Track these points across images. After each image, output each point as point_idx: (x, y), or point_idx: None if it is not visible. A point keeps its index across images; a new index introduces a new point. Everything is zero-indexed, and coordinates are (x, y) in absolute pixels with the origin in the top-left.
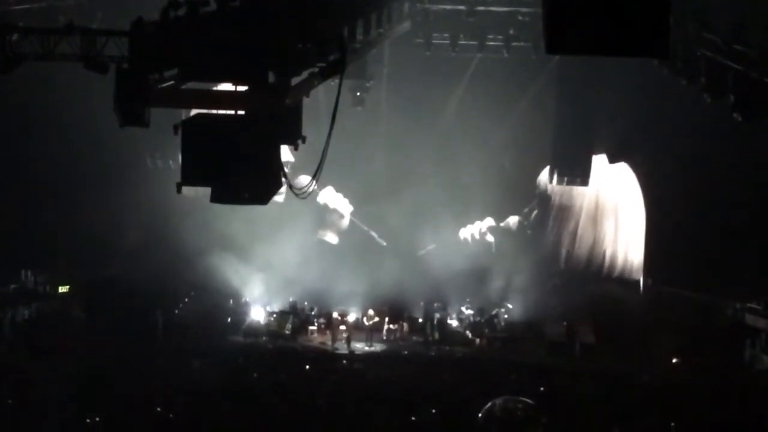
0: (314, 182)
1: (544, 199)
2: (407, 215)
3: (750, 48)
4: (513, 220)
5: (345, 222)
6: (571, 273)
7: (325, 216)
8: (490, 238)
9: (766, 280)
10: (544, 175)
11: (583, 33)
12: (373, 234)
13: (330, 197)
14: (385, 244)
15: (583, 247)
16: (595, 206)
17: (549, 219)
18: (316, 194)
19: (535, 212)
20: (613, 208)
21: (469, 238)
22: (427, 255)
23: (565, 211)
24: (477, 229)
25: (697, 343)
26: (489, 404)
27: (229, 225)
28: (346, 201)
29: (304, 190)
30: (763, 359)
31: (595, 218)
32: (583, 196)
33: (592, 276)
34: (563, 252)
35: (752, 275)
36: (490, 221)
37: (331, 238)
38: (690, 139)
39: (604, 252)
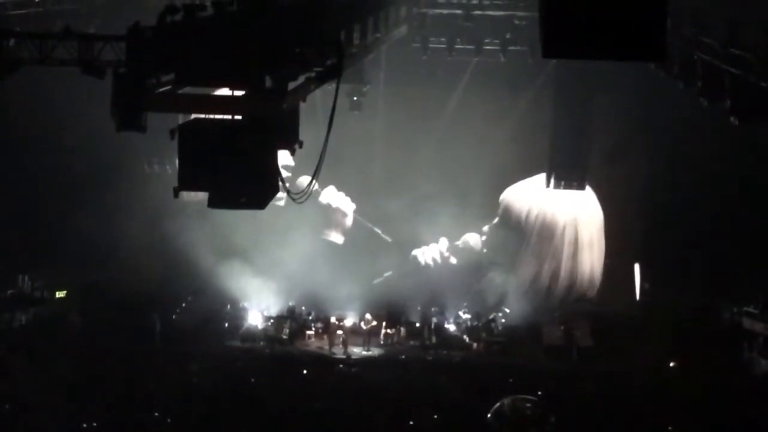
0: (312, 187)
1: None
2: (405, 219)
3: (747, 51)
4: (473, 239)
5: (349, 220)
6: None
7: (328, 216)
8: (452, 260)
9: (762, 283)
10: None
11: (579, 38)
12: (378, 231)
13: (332, 196)
14: (390, 240)
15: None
16: (573, 234)
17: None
18: (318, 195)
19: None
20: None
21: (430, 262)
22: (384, 282)
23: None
24: (436, 251)
25: (694, 346)
26: (498, 403)
27: (226, 229)
28: (348, 199)
29: (301, 194)
30: (761, 362)
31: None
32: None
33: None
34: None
35: (749, 279)
36: (444, 242)
37: (336, 237)
38: (687, 142)
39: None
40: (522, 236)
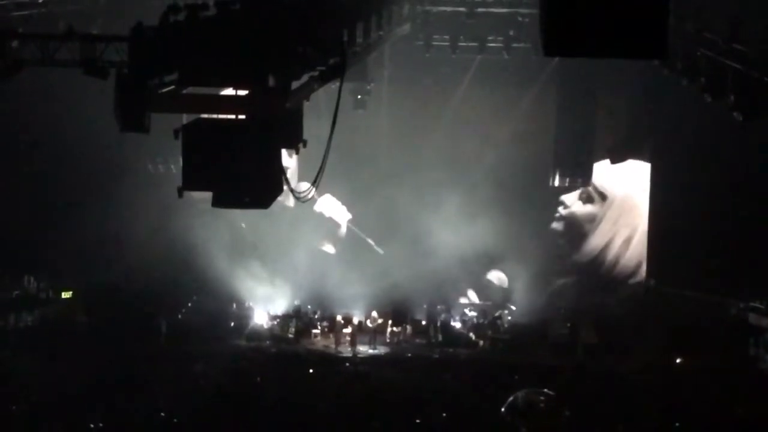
0: (316, 185)
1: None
2: (410, 217)
3: (750, 47)
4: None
5: (342, 231)
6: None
7: (321, 225)
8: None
9: None
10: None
11: (580, 35)
12: (371, 242)
13: (326, 206)
14: (382, 252)
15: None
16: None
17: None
18: (314, 202)
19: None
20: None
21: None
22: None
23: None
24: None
25: (701, 342)
26: (512, 397)
27: (232, 229)
28: (344, 209)
29: (305, 193)
30: (767, 359)
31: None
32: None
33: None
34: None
35: (755, 274)
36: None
37: (329, 247)
38: (692, 138)
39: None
40: (603, 202)
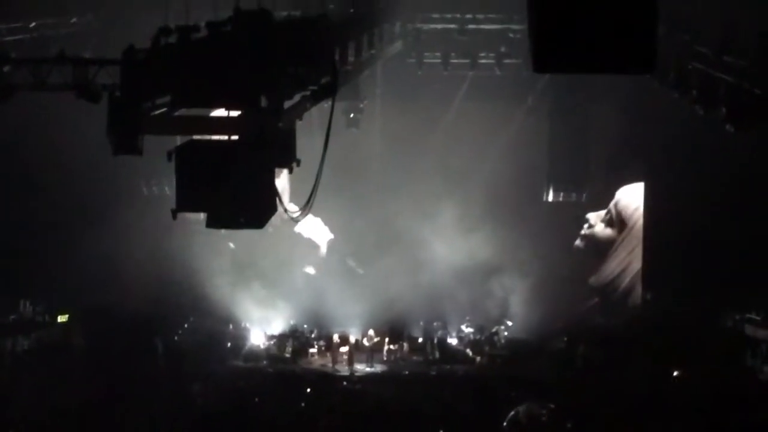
0: (310, 204)
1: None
2: (405, 232)
3: (741, 59)
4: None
5: (322, 251)
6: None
7: (301, 246)
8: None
9: (765, 290)
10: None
11: (569, 51)
12: (351, 263)
13: (306, 227)
14: (362, 272)
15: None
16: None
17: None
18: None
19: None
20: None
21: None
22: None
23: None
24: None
25: (698, 354)
26: (513, 411)
27: (228, 250)
28: (325, 229)
29: (298, 212)
30: (764, 369)
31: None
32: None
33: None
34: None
35: (751, 285)
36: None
37: (309, 268)
38: (687, 150)
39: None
40: (622, 230)
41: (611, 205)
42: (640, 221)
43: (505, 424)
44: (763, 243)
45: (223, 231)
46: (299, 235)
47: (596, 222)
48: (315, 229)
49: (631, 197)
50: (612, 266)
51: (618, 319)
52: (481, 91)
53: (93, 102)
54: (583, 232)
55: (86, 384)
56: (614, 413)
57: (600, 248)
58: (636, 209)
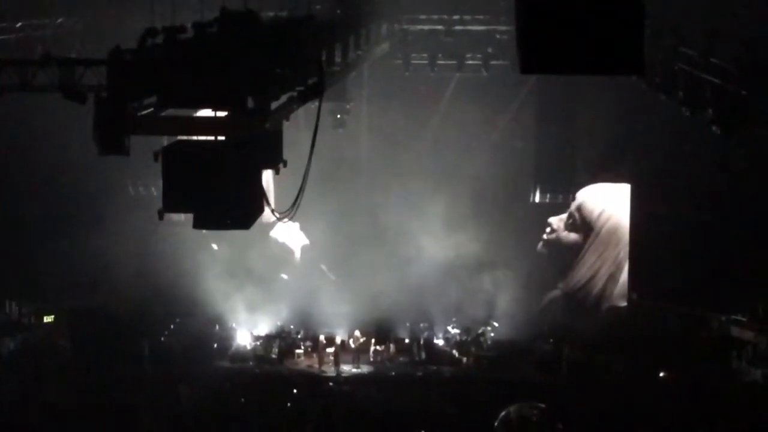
0: (296, 205)
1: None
2: (392, 232)
3: (727, 61)
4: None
5: (296, 257)
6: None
7: (274, 251)
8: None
9: (750, 291)
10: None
11: (557, 52)
12: (323, 267)
13: (281, 232)
14: (334, 278)
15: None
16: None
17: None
18: (272, 227)
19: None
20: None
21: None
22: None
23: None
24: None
25: (684, 356)
26: (504, 412)
27: (214, 250)
28: (301, 234)
29: (286, 213)
30: (750, 371)
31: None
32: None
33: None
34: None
35: (737, 287)
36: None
37: (282, 274)
38: (673, 152)
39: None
40: (588, 234)
41: (573, 208)
42: (607, 224)
43: (496, 424)
44: (749, 244)
45: (205, 231)
46: (274, 239)
47: (559, 226)
48: (290, 234)
49: (595, 200)
50: (582, 272)
51: (596, 322)
52: (468, 92)
53: (79, 103)
54: (545, 237)
55: (72, 385)
56: (601, 414)
57: (565, 253)
58: (601, 213)
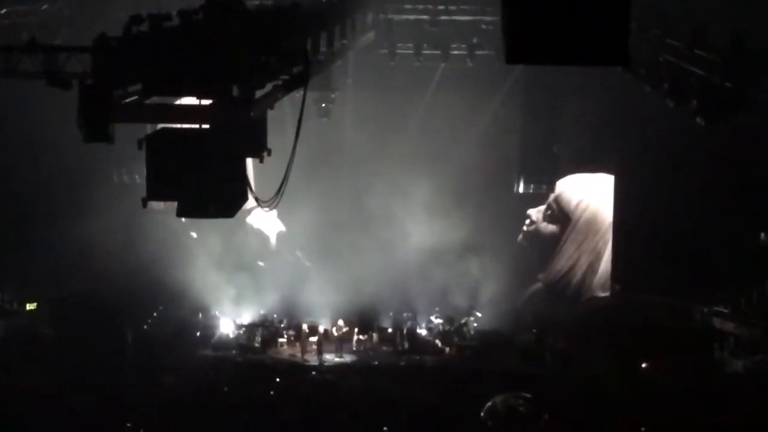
0: (280, 193)
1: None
2: (373, 225)
3: (712, 53)
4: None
5: (271, 244)
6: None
7: (249, 238)
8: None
9: (733, 283)
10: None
11: (542, 42)
12: (299, 254)
13: (256, 218)
14: (309, 264)
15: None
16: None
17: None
18: (248, 214)
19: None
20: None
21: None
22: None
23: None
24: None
25: (666, 347)
26: (490, 402)
27: (196, 238)
28: (277, 221)
29: (270, 201)
30: (732, 362)
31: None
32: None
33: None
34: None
35: (720, 279)
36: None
37: (259, 261)
38: (656, 144)
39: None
40: (566, 224)
41: (551, 200)
42: (585, 214)
43: (482, 414)
44: (733, 236)
45: (184, 219)
46: (250, 226)
47: (538, 218)
48: (266, 221)
49: (573, 191)
50: (561, 263)
51: (576, 312)
52: (453, 82)
53: (64, 90)
54: (525, 228)
55: (55, 373)
56: (584, 405)
57: (544, 244)
58: (579, 203)
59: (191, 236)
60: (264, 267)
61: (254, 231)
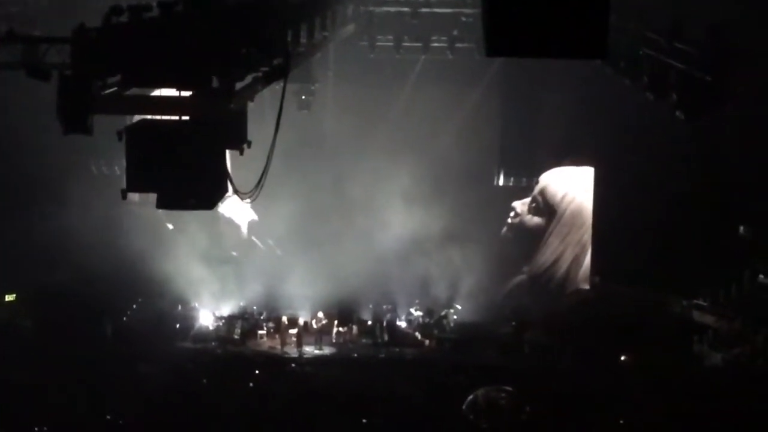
0: (260, 185)
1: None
2: (354, 217)
3: (691, 46)
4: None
5: (242, 233)
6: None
7: (222, 228)
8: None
9: (711, 276)
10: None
11: (522, 35)
12: (270, 242)
13: (228, 208)
14: (280, 253)
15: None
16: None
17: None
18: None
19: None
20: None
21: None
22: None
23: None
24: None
25: (645, 340)
26: (472, 395)
27: (173, 229)
28: (250, 211)
29: (250, 193)
30: (711, 355)
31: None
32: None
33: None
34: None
35: (698, 271)
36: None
37: (231, 250)
38: (634, 136)
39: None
40: (551, 217)
41: (536, 192)
42: (570, 207)
43: (464, 407)
44: (711, 229)
45: (161, 211)
46: (221, 215)
47: (522, 210)
48: (238, 210)
49: (558, 184)
50: (546, 255)
51: (559, 305)
52: (434, 74)
53: (43, 80)
54: (509, 221)
55: (34, 365)
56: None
57: (529, 237)
58: (564, 195)
59: (167, 228)
60: (238, 257)
61: (226, 220)
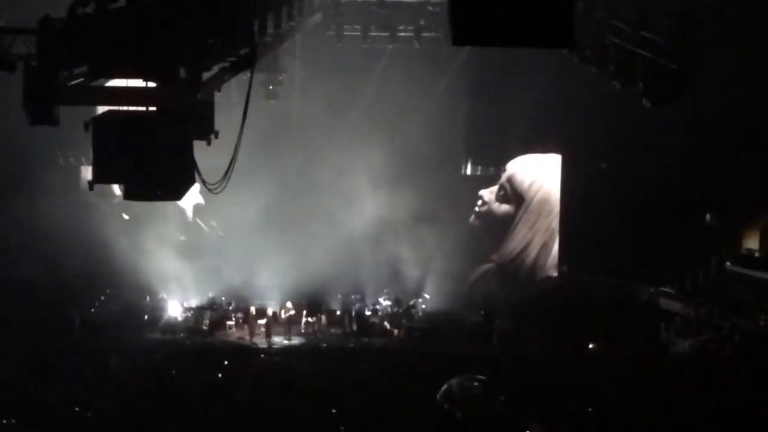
0: (228, 175)
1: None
2: (322, 206)
3: (657, 35)
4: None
5: (187, 216)
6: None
7: (168, 211)
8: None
9: (679, 263)
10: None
11: (488, 25)
12: (214, 223)
13: None
14: (222, 234)
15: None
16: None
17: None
18: None
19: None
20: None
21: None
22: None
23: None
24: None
25: (613, 328)
26: (446, 384)
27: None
28: (197, 195)
29: (218, 184)
30: (678, 342)
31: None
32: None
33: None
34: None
35: (665, 259)
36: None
37: (176, 234)
38: (602, 124)
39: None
40: (519, 205)
41: (504, 180)
42: (538, 194)
43: (438, 397)
44: (678, 217)
45: (116, 201)
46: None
47: (490, 199)
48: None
49: (525, 171)
50: (515, 242)
51: (528, 293)
52: (401, 64)
53: (8, 71)
54: (477, 209)
55: (1, 358)
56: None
57: (498, 225)
58: (532, 183)
59: (122, 218)
60: (184, 240)
61: (171, 204)
